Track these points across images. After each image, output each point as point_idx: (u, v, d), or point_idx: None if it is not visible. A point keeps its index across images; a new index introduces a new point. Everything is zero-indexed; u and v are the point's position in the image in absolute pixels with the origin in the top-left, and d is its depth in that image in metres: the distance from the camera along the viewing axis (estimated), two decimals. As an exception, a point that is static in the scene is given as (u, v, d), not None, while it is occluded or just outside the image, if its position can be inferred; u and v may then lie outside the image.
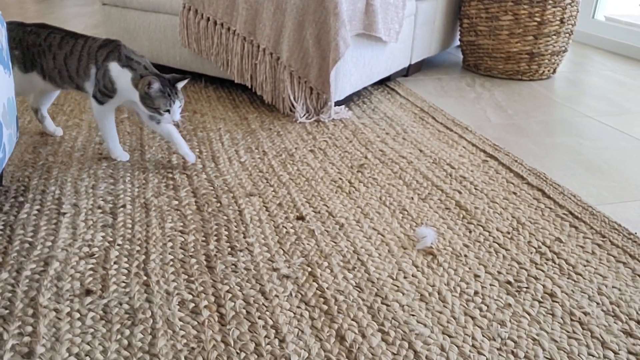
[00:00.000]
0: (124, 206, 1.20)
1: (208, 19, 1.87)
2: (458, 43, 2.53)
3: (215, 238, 1.10)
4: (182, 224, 1.15)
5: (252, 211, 1.21)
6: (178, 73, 2.12)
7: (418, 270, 1.02)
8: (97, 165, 1.39)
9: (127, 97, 1.29)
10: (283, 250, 1.07)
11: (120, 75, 1.26)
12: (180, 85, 1.28)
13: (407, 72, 2.30)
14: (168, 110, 1.27)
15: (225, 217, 1.18)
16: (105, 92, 1.29)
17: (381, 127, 1.74)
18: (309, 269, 1.01)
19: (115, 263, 1.00)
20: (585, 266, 1.05)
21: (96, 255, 1.02)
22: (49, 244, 1.05)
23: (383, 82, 2.19)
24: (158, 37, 2.05)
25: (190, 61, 2.01)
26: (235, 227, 1.14)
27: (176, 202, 1.23)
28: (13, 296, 0.90)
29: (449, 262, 1.05)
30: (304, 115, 1.78)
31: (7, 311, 0.86)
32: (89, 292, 0.91)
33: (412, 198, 1.30)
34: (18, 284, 0.93)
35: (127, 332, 0.83)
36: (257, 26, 1.78)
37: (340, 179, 1.38)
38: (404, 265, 1.03)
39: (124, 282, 0.95)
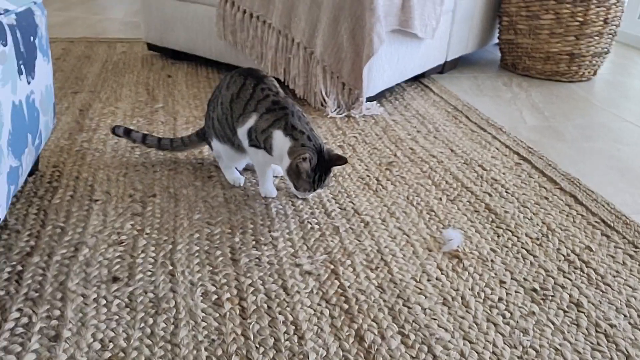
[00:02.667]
0: (154, 195, 1.22)
1: (244, 12, 1.88)
2: (496, 41, 2.48)
3: (240, 231, 1.11)
4: (209, 215, 1.16)
5: (278, 205, 1.22)
6: (213, 64, 2.15)
7: (442, 274, 1.01)
8: (129, 154, 1.41)
9: (278, 160, 1.17)
10: (307, 246, 1.07)
11: (281, 143, 1.14)
12: (331, 170, 1.15)
13: (443, 69, 2.26)
14: (308, 191, 1.15)
15: (251, 211, 1.19)
16: (259, 145, 1.19)
17: (412, 124, 1.72)
18: (332, 267, 1.01)
19: (142, 252, 1.02)
20: (614, 277, 1.02)
21: (124, 243, 1.04)
22: (80, 230, 1.08)
23: (417, 79, 2.17)
24: (195, 27, 2.07)
25: (225, 53, 2.03)
26: (261, 221, 1.15)
27: (204, 194, 1.25)
28: (43, 280, 0.93)
29: (474, 267, 1.03)
30: (335, 110, 1.77)
31: (37, 294, 0.89)
32: (115, 280, 0.93)
33: (441, 199, 1.28)
34: (49, 268, 0.96)
35: (151, 320, 0.85)
36: (293, 20, 1.78)
37: (368, 176, 1.38)
38: (428, 268, 1.02)
39: (150, 270, 0.97)
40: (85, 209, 1.15)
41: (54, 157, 1.36)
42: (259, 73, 1.24)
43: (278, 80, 2.00)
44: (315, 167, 1.11)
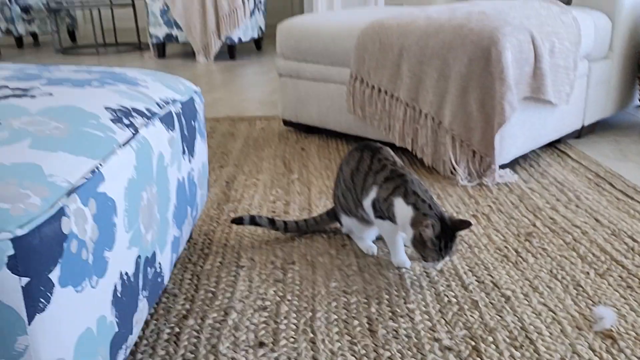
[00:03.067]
0: (293, 263, 1.29)
1: (373, 87, 1.97)
2: (638, 103, 2.33)
3: (376, 301, 1.12)
4: (345, 284, 1.19)
5: (413, 276, 1.22)
6: (343, 136, 2.26)
7: (595, 355, 0.93)
8: (269, 223, 1.51)
9: (402, 229, 1.20)
10: (445, 320, 1.05)
11: (403, 211, 1.17)
12: (458, 236, 1.15)
13: (579, 134, 2.16)
14: (434, 261, 1.14)
15: (385, 280, 1.20)
16: (384, 216, 1.23)
17: (551, 192, 1.65)
18: (473, 343, 0.97)
19: (285, 318, 1.07)
20: None
21: (268, 309, 1.10)
22: (229, 294, 1.16)
23: (552, 145, 2.09)
24: (326, 104, 2.20)
25: (354, 126, 2.12)
26: (396, 291, 1.16)
27: (339, 262, 1.29)
28: (197, 342, 1.00)
29: (631, 349, 0.94)
30: (466, 178, 1.76)
31: (193, 356, 0.97)
32: (262, 345, 0.98)
33: (588, 273, 1.20)
34: (202, 330, 1.04)
35: (294, 387, 0.88)
36: (420, 93, 1.83)
37: (505, 247, 1.33)
38: (579, 348, 0.95)
39: (292, 337, 1.01)
40: (233, 274, 1.24)
41: (205, 226, 1.49)
42: (374, 145, 1.29)
43: (404, 150, 2.04)
44: (440, 235, 1.11)
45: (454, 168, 1.77)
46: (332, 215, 1.41)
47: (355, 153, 1.30)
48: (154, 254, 0.90)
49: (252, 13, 4.63)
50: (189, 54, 4.97)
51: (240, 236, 1.43)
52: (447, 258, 1.15)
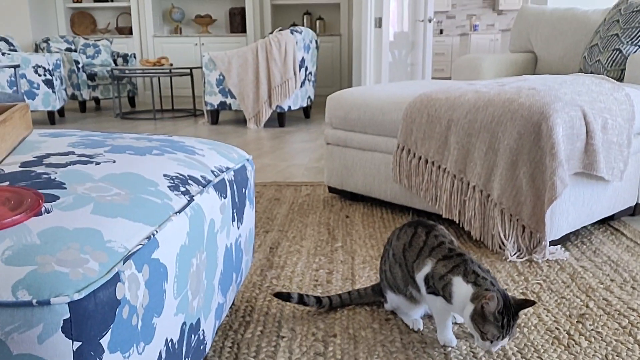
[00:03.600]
0: (334, 335, 1.26)
1: (420, 158, 1.98)
2: (698, 179, 2.24)
3: (420, 380, 1.08)
4: (388, 360, 1.16)
5: (459, 355, 1.17)
6: (387, 205, 2.26)
7: None
8: (312, 291, 1.50)
9: (457, 310, 1.15)
10: (493, 405, 1.00)
11: (463, 290, 1.12)
12: (518, 315, 1.09)
13: (634, 211, 2.09)
14: (490, 340, 1.08)
15: (430, 359, 1.16)
16: (437, 293, 1.18)
17: (604, 272, 1.58)
18: None
19: (324, 393, 1.04)
20: None
21: (308, 383, 1.08)
22: (268, 365, 1.14)
23: (605, 222, 2.02)
24: (372, 172, 2.22)
25: (399, 195, 2.12)
26: (442, 371, 1.11)
27: (382, 337, 1.25)
28: (236, 413, 0.99)
29: None
30: (515, 253, 1.71)
31: None
32: (300, 421, 0.96)
33: (648, 362, 1.13)
34: (241, 401, 1.02)
35: None
36: (468, 165, 1.83)
37: (557, 328, 1.27)
38: None
39: (332, 415, 0.97)
40: (273, 344, 1.23)
41: (247, 293, 1.50)
42: (428, 222, 1.28)
43: (451, 221, 2.01)
44: (502, 310, 1.07)
45: (503, 243, 1.73)
46: (377, 290, 1.39)
47: (408, 229, 1.29)
48: (198, 321, 0.91)
49: (302, 84, 4.80)
50: (240, 120, 5.16)
51: (282, 305, 1.42)
52: (507, 339, 1.08)
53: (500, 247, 1.74)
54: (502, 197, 1.73)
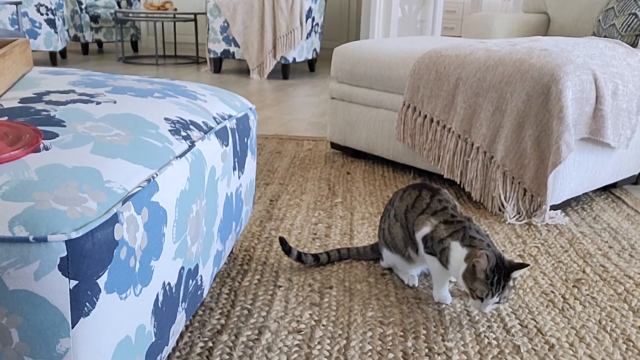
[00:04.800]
0: (330, 287, 1.27)
1: (425, 117, 1.95)
2: None
3: (413, 335, 1.09)
4: (382, 314, 1.17)
5: (453, 313, 1.18)
6: (389, 163, 2.24)
7: (645, 418, 0.87)
8: (311, 244, 1.50)
9: (453, 274, 1.15)
10: (484, 362, 1.01)
11: (459, 254, 1.13)
12: (516, 274, 1.08)
13: (637, 179, 2.07)
14: (480, 298, 1.09)
15: (424, 315, 1.17)
16: (433, 254, 1.19)
17: (603, 238, 1.58)
18: (512, 390, 0.93)
19: (318, 343, 1.05)
20: None
21: (303, 332, 1.09)
22: (264, 314, 1.15)
23: (607, 189, 2.01)
24: (375, 130, 2.20)
25: (402, 154, 2.11)
26: (434, 327, 1.13)
27: (377, 291, 1.26)
28: (230, 358, 1.00)
29: (687, 416, 0.88)
30: (514, 216, 1.71)
31: (225, 371, 0.96)
32: (294, 368, 0.97)
33: (640, 328, 1.14)
34: (235, 348, 1.03)
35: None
36: (474, 125, 1.80)
37: (552, 292, 1.28)
38: (628, 408, 0.89)
39: (325, 364, 0.99)
40: (270, 293, 1.24)
41: (246, 242, 1.50)
42: (433, 186, 1.26)
43: (451, 182, 2.01)
44: (494, 269, 1.07)
45: (503, 205, 1.73)
46: (376, 249, 1.39)
47: (412, 191, 1.27)
48: (196, 267, 0.91)
49: (308, 35, 4.70)
50: (243, 70, 5.08)
51: (280, 255, 1.43)
52: (496, 299, 1.08)
53: (500, 209, 1.74)
54: (505, 159, 1.72)
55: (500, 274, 1.07)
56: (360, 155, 2.38)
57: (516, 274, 1.07)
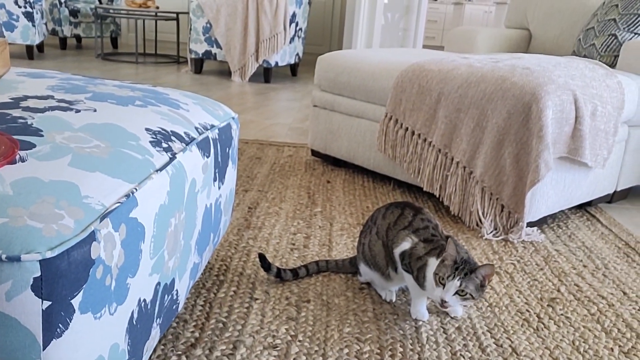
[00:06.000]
0: (308, 301, 1.26)
1: (406, 129, 1.96)
2: (676, 172, 2.27)
3: (389, 353, 1.09)
4: (359, 330, 1.16)
5: (429, 330, 1.18)
6: (369, 173, 2.24)
7: None
8: (289, 255, 1.49)
9: (430, 290, 1.14)
10: (460, 382, 1.01)
11: (434, 268, 1.13)
12: (479, 274, 1.08)
13: (612, 198, 2.11)
14: (442, 284, 1.09)
15: (401, 332, 1.17)
16: (409, 271, 1.19)
17: (578, 257, 1.60)
18: (487, 411, 0.94)
19: (294, 360, 1.04)
20: None
21: (278, 348, 1.08)
22: (239, 327, 1.14)
23: (582, 207, 2.04)
24: (357, 139, 2.20)
25: (382, 164, 2.11)
26: (411, 345, 1.12)
27: (355, 306, 1.26)
28: (205, 373, 0.98)
29: None
30: (492, 232, 1.72)
31: (199, 387, 0.94)
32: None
33: (612, 349, 1.15)
34: (211, 362, 1.02)
35: None
36: (454, 140, 1.82)
37: (527, 310, 1.29)
38: None
39: (301, 382, 0.98)
40: (246, 306, 1.22)
41: (223, 251, 1.48)
42: (415, 205, 1.27)
43: (430, 195, 2.01)
44: (463, 261, 1.09)
45: (481, 220, 1.74)
46: (354, 263, 1.38)
47: (395, 209, 1.27)
48: (172, 281, 0.89)
49: (292, 39, 4.69)
50: (224, 72, 5.05)
51: (257, 266, 1.41)
52: (457, 282, 1.07)
53: (477, 225, 1.75)
54: (484, 175, 1.73)
55: (467, 266, 1.09)
56: (341, 164, 2.38)
57: (483, 270, 1.08)
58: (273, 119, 3.31)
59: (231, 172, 1.26)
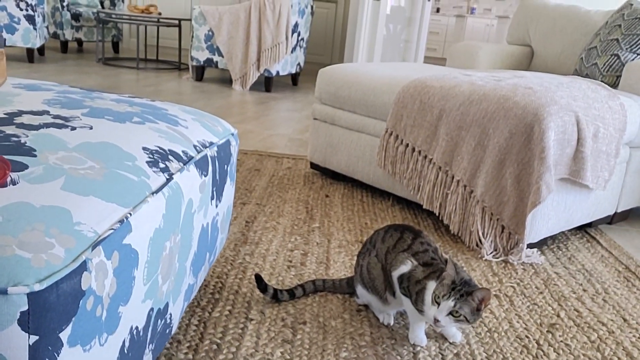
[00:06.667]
0: (304, 323, 1.24)
1: (407, 145, 1.95)
2: (677, 194, 2.26)
3: (387, 379, 1.07)
4: (355, 355, 1.14)
5: (427, 356, 1.16)
6: (368, 188, 2.22)
7: None
8: (285, 273, 1.47)
9: (428, 318, 1.12)
10: (458, 412, 0.99)
11: (432, 291, 1.11)
12: (475, 297, 1.06)
13: (612, 220, 2.10)
14: (437, 303, 1.08)
15: (399, 357, 1.15)
16: (408, 295, 1.17)
17: (578, 281, 1.58)
18: None
19: (289, 385, 1.02)
20: None
21: (273, 372, 1.05)
22: (234, 349, 1.11)
23: (582, 228, 2.03)
24: (357, 154, 2.18)
25: (382, 180, 2.09)
26: (409, 370, 1.10)
27: (352, 329, 1.24)
28: (197, 398, 0.96)
29: None
30: (491, 253, 1.70)
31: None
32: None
33: (613, 380, 1.13)
34: (203, 386, 0.99)
35: None
36: (455, 158, 1.80)
37: (527, 336, 1.27)
38: None
39: (295, 409, 0.95)
40: (241, 327, 1.20)
41: (218, 268, 1.46)
42: (414, 228, 1.25)
43: (429, 212, 2.00)
44: (461, 282, 1.07)
45: (480, 240, 1.72)
46: (352, 284, 1.36)
47: (394, 233, 1.25)
48: (166, 305, 0.87)
49: (293, 49, 4.69)
50: (225, 80, 5.04)
51: (253, 284, 1.39)
52: (452, 303, 1.06)
53: (477, 245, 1.73)
54: (485, 194, 1.72)
55: (464, 288, 1.07)
56: (340, 178, 2.36)
57: (479, 294, 1.06)
58: (273, 129, 3.29)
59: (229, 189, 1.24)
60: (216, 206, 1.13)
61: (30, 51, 4.93)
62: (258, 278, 1.29)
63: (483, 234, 1.72)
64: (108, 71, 4.88)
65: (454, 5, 10.42)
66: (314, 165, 2.41)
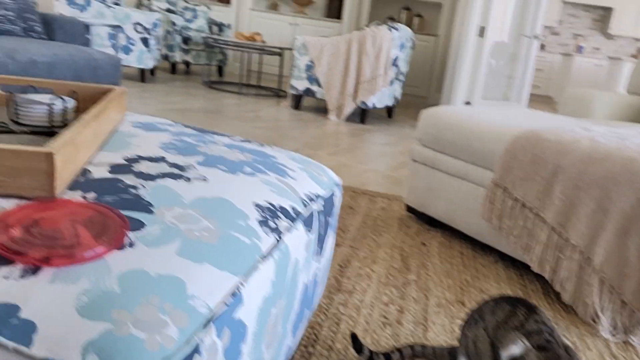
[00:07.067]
0: (399, 392, 1.15)
1: (516, 200, 1.82)
2: None
3: None
4: None
5: None
6: (468, 239, 2.09)
7: None
8: (381, 331, 1.39)
9: None
10: None
11: None
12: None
13: None
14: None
15: None
16: None
17: None
18: None
19: None
20: None
21: None
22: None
23: None
24: (457, 201, 2.07)
25: (485, 232, 1.97)
26: None
27: (451, 405, 1.13)
28: None
29: None
30: (610, 330, 1.53)
31: None
32: None
33: None
34: None
35: None
36: (570, 220, 1.65)
37: None
38: None
39: None
40: (333, 390, 1.14)
41: (312, 317, 1.41)
42: (528, 302, 1.13)
43: (538, 276, 1.84)
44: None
45: (597, 315, 1.55)
46: (454, 355, 1.26)
47: (505, 305, 1.14)
48: (266, 373, 0.83)
49: (391, 82, 4.65)
50: (321, 109, 5.08)
51: (348, 340, 1.32)
52: None
53: (593, 320, 1.56)
54: (605, 264, 1.55)
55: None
56: (437, 225, 2.25)
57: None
58: (367, 164, 3.24)
59: (331, 241, 1.19)
60: (318, 262, 1.08)
61: (142, 71, 5.25)
62: (354, 337, 1.22)
63: (600, 308, 1.55)
64: (212, 94, 5.08)
65: (560, 43, 9.99)
66: (410, 209, 2.33)
